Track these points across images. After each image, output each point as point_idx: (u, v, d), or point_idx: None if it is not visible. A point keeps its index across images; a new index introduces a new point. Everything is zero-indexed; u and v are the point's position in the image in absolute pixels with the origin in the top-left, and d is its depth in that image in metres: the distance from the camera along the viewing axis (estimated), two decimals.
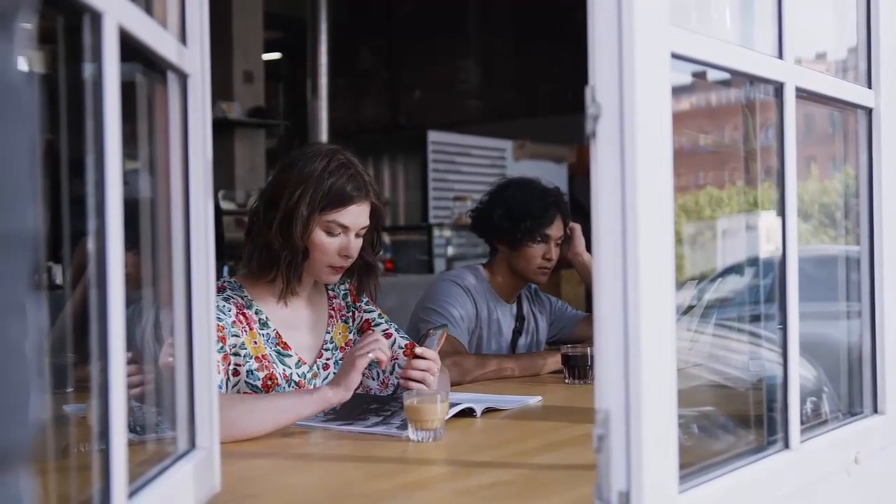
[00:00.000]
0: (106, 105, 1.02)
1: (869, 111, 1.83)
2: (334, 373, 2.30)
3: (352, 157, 2.27)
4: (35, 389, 0.61)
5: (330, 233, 2.20)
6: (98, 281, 1.02)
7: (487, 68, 10.11)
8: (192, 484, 1.32)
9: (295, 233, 2.17)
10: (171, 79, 1.35)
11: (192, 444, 1.38)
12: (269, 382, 2.18)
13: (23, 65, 0.61)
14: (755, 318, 1.98)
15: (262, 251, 2.21)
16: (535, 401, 2.37)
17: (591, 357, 2.68)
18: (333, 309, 2.40)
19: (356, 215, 2.22)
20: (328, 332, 2.36)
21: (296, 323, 2.30)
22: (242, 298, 2.23)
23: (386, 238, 7.87)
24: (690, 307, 2.26)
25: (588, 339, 3.00)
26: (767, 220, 1.91)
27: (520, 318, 3.18)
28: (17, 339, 0.59)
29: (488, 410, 2.20)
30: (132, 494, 1.10)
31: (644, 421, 1.16)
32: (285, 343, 2.25)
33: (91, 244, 1.02)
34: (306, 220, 2.17)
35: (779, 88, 1.53)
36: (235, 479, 1.55)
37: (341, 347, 2.37)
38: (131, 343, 1.09)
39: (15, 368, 0.59)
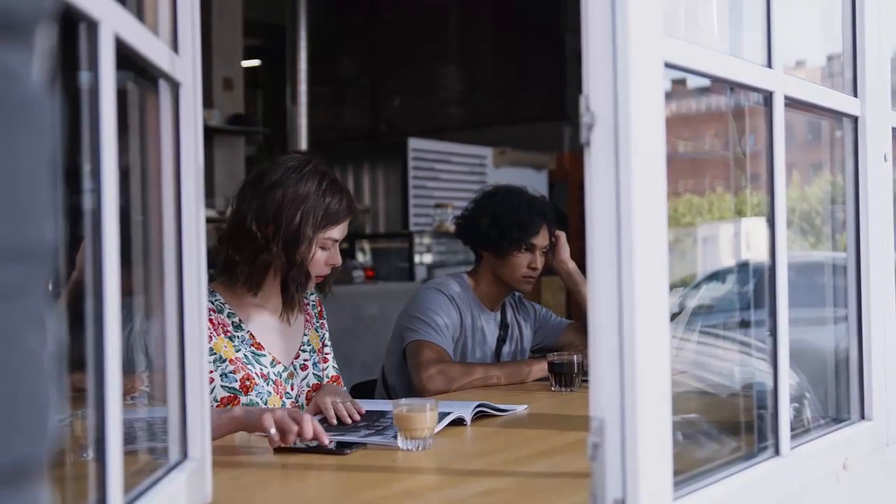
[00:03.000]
0: (102, 113, 1.01)
1: (855, 119, 1.84)
2: (313, 373, 2.41)
3: (333, 173, 2.39)
4: (52, 401, 0.61)
5: (323, 248, 2.31)
6: (94, 290, 1.01)
7: (468, 76, 10.13)
8: (184, 494, 1.31)
9: (300, 254, 2.26)
10: (163, 87, 1.34)
11: (185, 455, 1.37)
12: (248, 383, 2.24)
13: (41, 77, 0.61)
14: (739, 325, 1.99)
15: (262, 270, 2.27)
16: (522, 409, 2.37)
17: (578, 364, 2.68)
18: (308, 314, 2.49)
19: (345, 228, 2.35)
20: (305, 335, 2.44)
21: (272, 326, 2.37)
22: (213, 303, 2.27)
23: (366, 245, 7.86)
24: (674, 314, 2.27)
25: (573, 347, 3.00)
26: (748, 227, 1.92)
27: (504, 326, 3.18)
28: (37, 350, 0.59)
29: (479, 416, 2.20)
30: None
31: (639, 428, 1.17)
32: (259, 343, 2.31)
33: (87, 253, 1.01)
34: (311, 241, 2.26)
35: (768, 97, 1.54)
36: (227, 490, 1.54)
37: (318, 350, 2.46)
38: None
39: (34, 380, 0.58)
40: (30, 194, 0.58)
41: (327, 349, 2.54)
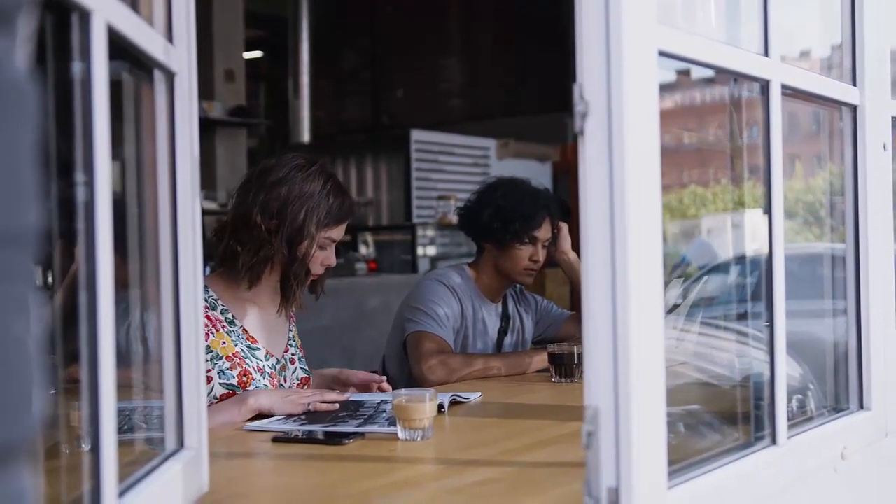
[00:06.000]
0: (94, 104, 1.01)
1: (854, 108, 1.84)
2: (300, 367, 2.47)
3: (337, 176, 2.43)
4: (37, 385, 0.61)
5: (322, 247, 2.35)
6: (87, 282, 1.01)
7: (470, 67, 10.12)
8: (180, 483, 1.31)
9: (301, 250, 2.30)
10: (158, 77, 1.34)
11: (181, 444, 1.38)
12: (245, 378, 2.27)
13: (24, 63, 0.61)
14: (741, 316, 1.99)
15: (263, 263, 2.30)
16: (475, 397, 2.40)
17: (578, 355, 2.68)
18: (291, 312, 2.52)
19: (343, 230, 2.40)
20: (290, 330, 2.49)
21: (261, 320, 2.40)
22: (206, 300, 2.28)
23: (369, 238, 7.87)
24: (676, 305, 2.27)
25: (574, 338, 3.00)
26: (752, 219, 1.92)
27: (505, 318, 3.18)
28: (21, 335, 0.59)
29: (454, 403, 2.26)
30: (122, 494, 1.09)
31: (633, 417, 1.17)
32: (253, 337, 2.35)
33: (80, 245, 1.01)
34: (313, 238, 2.30)
35: (765, 86, 1.54)
36: (223, 479, 1.54)
37: (300, 346, 2.52)
38: (116, 343, 1.08)
39: (18, 364, 0.59)
40: (13, 180, 0.58)
41: (298, 349, 2.57)
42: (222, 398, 2.22)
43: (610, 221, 1.17)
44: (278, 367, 2.38)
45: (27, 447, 0.60)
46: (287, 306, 2.38)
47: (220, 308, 2.31)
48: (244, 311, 2.36)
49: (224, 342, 2.27)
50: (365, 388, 2.45)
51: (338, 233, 2.36)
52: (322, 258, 2.35)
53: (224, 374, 2.24)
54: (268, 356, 2.35)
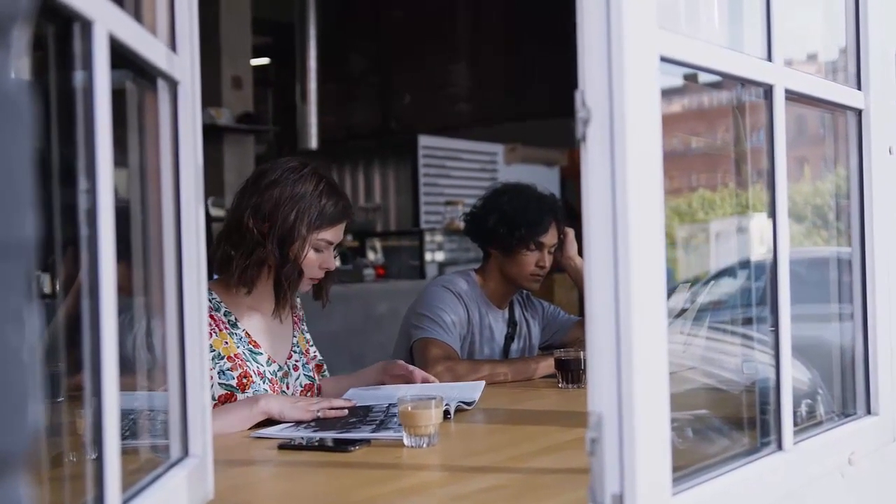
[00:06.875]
0: (97, 112, 1.02)
1: (858, 112, 1.83)
2: (304, 374, 2.46)
3: (332, 178, 2.43)
4: (33, 396, 0.61)
5: (317, 249, 2.34)
6: (90, 290, 1.01)
7: (477, 72, 10.12)
8: (185, 491, 1.31)
9: (293, 251, 2.29)
10: (161, 86, 1.35)
11: (186, 452, 1.38)
12: (245, 380, 2.28)
13: (20, 73, 0.62)
14: (748, 321, 1.98)
15: (256, 266, 2.30)
16: (479, 387, 2.43)
17: (584, 361, 2.68)
18: (296, 317, 2.53)
19: (341, 232, 2.38)
20: (294, 337, 2.49)
21: (264, 326, 2.40)
22: (210, 302, 2.29)
23: (377, 243, 7.86)
24: (683, 310, 2.26)
25: (581, 343, 3.00)
26: (760, 223, 1.92)
27: (512, 324, 3.17)
28: (16, 346, 0.59)
29: (459, 410, 2.25)
30: (126, 502, 1.10)
31: (637, 423, 1.17)
32: (255, 342, 2.35)
33: (83, 253, 1.01)
34: (305, 239, 2.29)
35: (768, 91, 1.54)
36: (228, 487, 1.54)
37: (304, 353, 2.50)
38: (123, 352, 1.09)
39: (14, 375, 0.59)
40: (9, 191, 0.59)
41: (313, 348, 2.57)
42: (220, 399, 2.22)
43: (612, 227, 1.17)
44: (280, 373, 2.38)
45: (23, 457, 0.60)
46: (281, 309, 2.37)
47: (223, 310, 2.32)
48: (246, 315, 2.36)
49: (226, 342, 2.28)
50: (406, 380, 2.48)
51: (332, 235, 2.35)
52: (319, 261, 2.34)
53: (224, 374, 2.24)
54: (270, 362, 2.35)
